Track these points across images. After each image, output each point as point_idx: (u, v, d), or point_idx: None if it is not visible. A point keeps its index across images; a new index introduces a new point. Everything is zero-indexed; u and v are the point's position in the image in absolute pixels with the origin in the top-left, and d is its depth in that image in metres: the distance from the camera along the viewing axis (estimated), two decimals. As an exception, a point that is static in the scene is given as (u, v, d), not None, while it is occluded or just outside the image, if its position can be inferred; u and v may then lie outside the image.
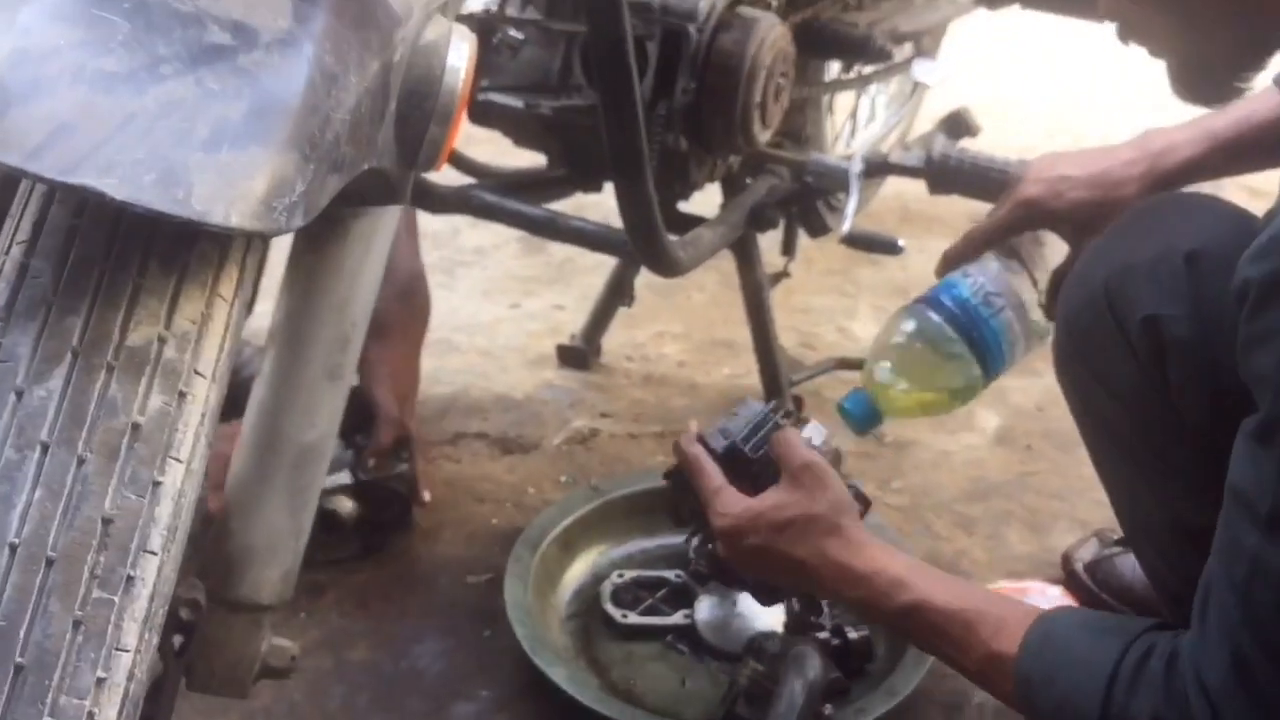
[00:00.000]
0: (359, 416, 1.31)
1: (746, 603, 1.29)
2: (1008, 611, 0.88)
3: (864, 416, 1.07)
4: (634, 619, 1.31)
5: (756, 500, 1.00)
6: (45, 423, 0.56)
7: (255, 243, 0.66)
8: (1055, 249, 1.07)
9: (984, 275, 1.06)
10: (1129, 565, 1.34)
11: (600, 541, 1.40)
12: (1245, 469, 0.72)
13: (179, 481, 0.59)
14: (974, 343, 1.04)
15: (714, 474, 1.03)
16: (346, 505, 1.33)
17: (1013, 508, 1.52)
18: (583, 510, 1.40)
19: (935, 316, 1.05)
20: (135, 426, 0.58)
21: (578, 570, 1.38)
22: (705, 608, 1.30)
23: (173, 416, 0.59)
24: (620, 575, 1.35)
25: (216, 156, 0.57)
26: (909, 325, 1.06)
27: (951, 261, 1.09)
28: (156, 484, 0.58)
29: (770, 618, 1.26)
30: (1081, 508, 1.53)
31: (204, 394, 0.61)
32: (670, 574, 1.34)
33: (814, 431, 1.05)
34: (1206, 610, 0.75)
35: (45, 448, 0.56)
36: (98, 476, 0.56)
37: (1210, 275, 0.81)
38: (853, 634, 1.24)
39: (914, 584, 0.91)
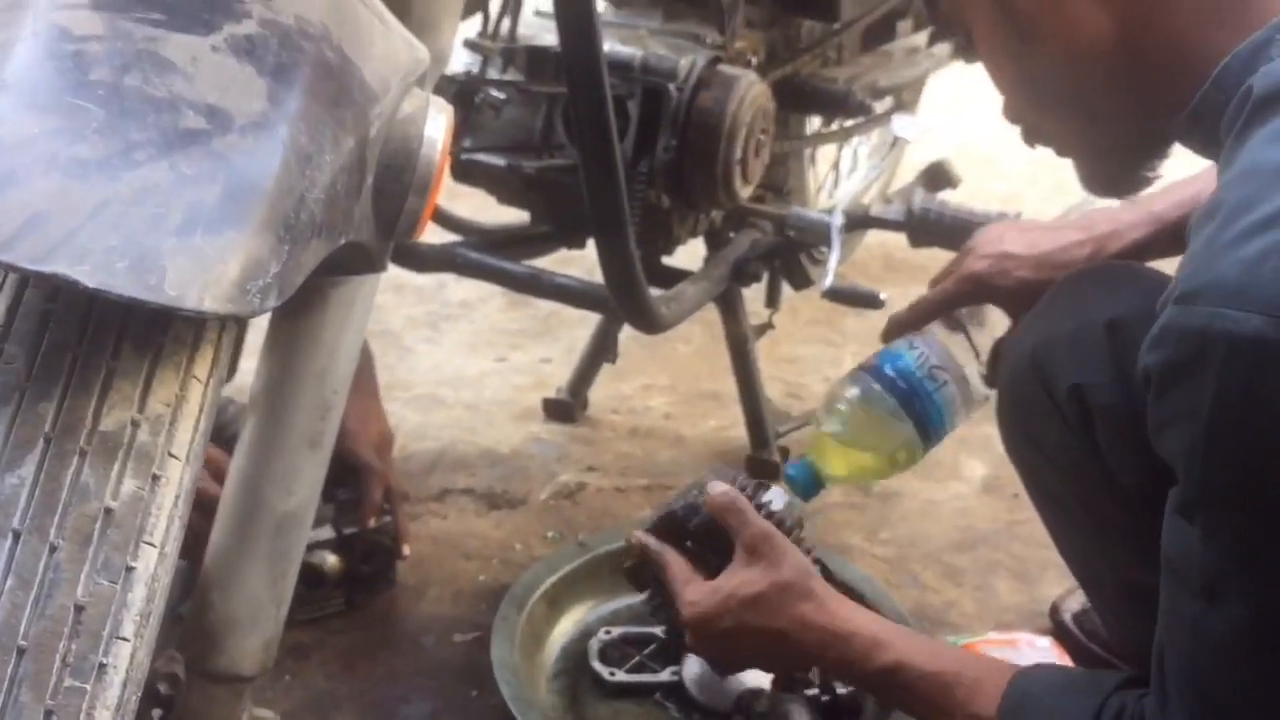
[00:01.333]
0: (338, 471, 1.30)
1: None
2: (984, 672, 0.88)
3: (807, 482, 1.09)
4: (621, 677, 1.30)
5: (721, 580, 1.00)
6: (17, 510, 0.56)
7: (230, 323, 0.66)
8: (998, 319, 1.10)
9: (929, 348, 1.07)
10: None
11: (587, 598, 1.39)
12: (1174, 540, 0.74)
13: (152, 566, 0.59)
14: (917, 414, 1.06)
15: (677, 565, 1.04)
16: (330, 560, 1.33)
17: (1000, 557, 1.52)
18: (569, 567, 1.39)
19: (878, 386, 1.06)
20: (108, 512, 0.58)
21: (565, 627, 1.37)
22: (693, 665, 1.29)
23: (146, 501, 0.59)
24: (608, 632, 1.34)
25: (190, 241, 0.57)
26: (853, 392, 1.08)
27: (897, 330, 1.10)
28: (129, 569, 0.57)
29: (759, 675, 1.26)
30: (1069, 557, 1.52)
31: (178, 476, 0.61)
32: (658, 630, 1.34)
33: (774, 495, 1.07)
34: (1163, 675, 0.76)
35: (17, 535, 0.56)
36: (70, 564, 0.56)
37: (1131, 342, 0.82)
38: (841, 690, 1.23)
39: (892, 644, 0.92)
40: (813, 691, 1.22)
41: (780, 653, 0.99)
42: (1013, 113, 0.89)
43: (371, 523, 1.33)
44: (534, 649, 1.32)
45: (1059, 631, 1.35)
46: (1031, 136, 0.90)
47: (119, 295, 0.55)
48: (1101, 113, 0.83)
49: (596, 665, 1.30)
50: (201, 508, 0.86)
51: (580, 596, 1.38)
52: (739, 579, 0.99)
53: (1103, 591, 1.00)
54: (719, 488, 1.05)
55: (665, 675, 1.29)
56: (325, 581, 1.32)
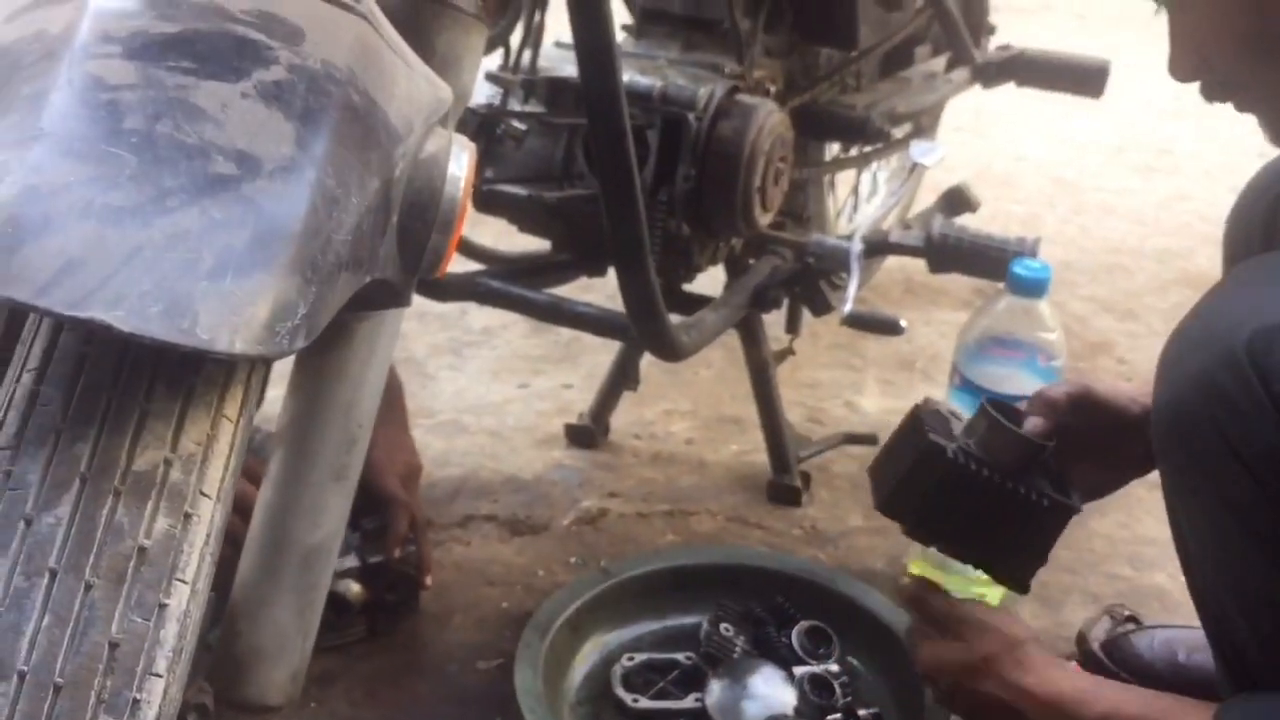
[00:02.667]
0: (363, 499, 1.31)
1: (758, 685, 1.28)
2: (1191, 710, 0.90)
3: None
4: (645, 703, 1.30)
5: (942, 653, 1.09)
6: (54, 549, 0.58)
7: (259, 364, 0.68)
8: None
9: None
10: (1145, 644, 1.34)
11: (610, 624, 1.39)
12: None
13: (184, 603, 0.60)
14: None
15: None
16: (354, 589, 1.34)
17: (1024, 583, 1.52)
18: (592, 593, 1.39)
19: None
20: (141, 550, 0.59)
21: (587, 653, 1.37)
22: (716, 691, 1.30)
23: (178, 539, 0.60)
24: (630, 659, 1.34)
25: (221, 285, 0.59)
26: None
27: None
28: (162, 606, 0.59)
29: (782, 700, 1.26)
30: (1093, 581, 1.52)
31: (209, 514, 0.62)
32: (681, 656, 1.34)
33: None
34: None
35: (53, 574, 0.57)
36: (104, 602, 0.57)
37: None
38: (863, 713, 1.23)
39: (1104, 697, 0.96)
40: (835, 717, 1.22)
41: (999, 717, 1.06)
42: (1199, 65, 0.87)
43: (396, 553, 1.34)
44: (557, 676, 1.33)
45: (1086, 660, 1.35)
46: (1217, 91, 0.89)
47: (153, 339, 0.56)
48: None
49: (620, 692, 1.30)
50: (231, 540, 0.88)
51: (603, 623, 1.39)
52: (953, 652, 1.08)
53: (1251, 605, 0.90)
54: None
55: (688, 702, 1.29)
56: (349, 610, 1.33)
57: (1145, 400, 1.07)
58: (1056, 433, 1.10)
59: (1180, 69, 0.90)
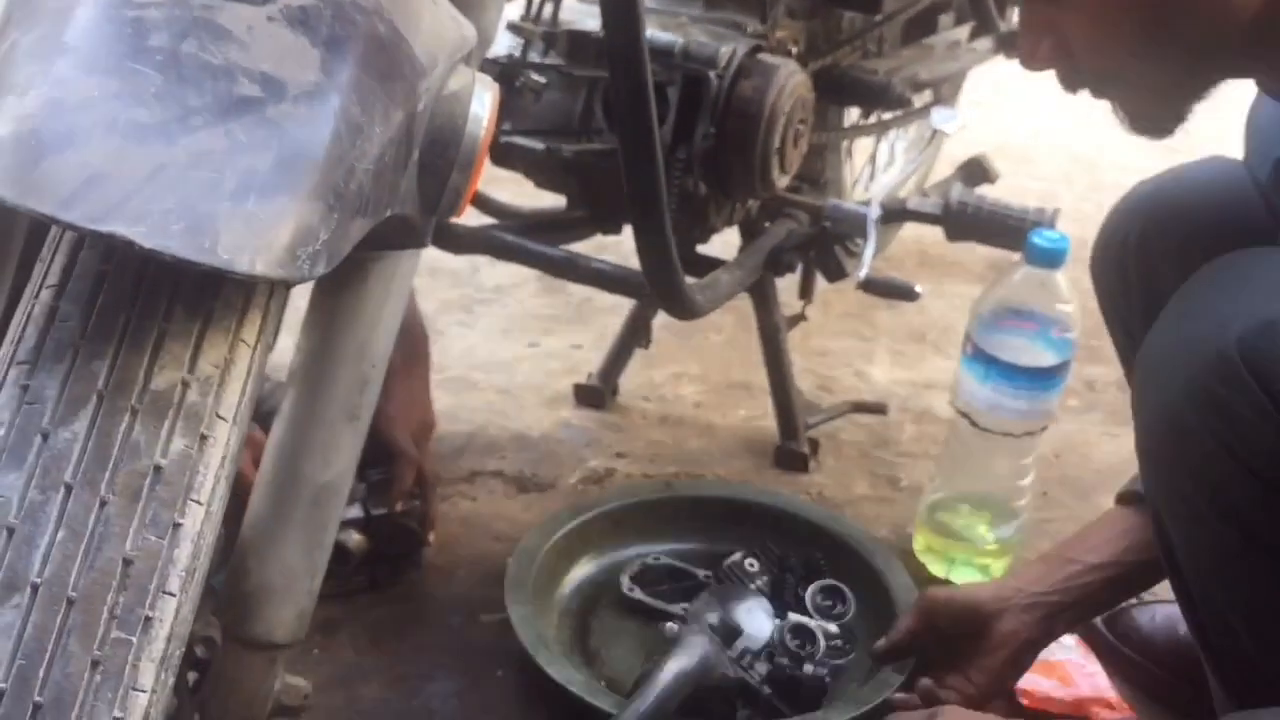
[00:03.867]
0: (371, 451, 1.32)
1: (739, 613, 1.29)
2: None
3: None
4: (637, 594, 1.34)
5: None
6: (70, 464, 0.58)
7: (278, 289, 0.67)
8: None
9: None
10: (1146, 617, 1.34)
11: (661, 532, 1.42)
12: None
13: (199, 524, 0.60)
14: None
15: None
16: (355, 539, 1.34)
17: (1029, 555, 1.52)
18: (649, 498, 1.45)
19: None
20: (157, 469, 0.59)
21: (628, 550, 1.41)
22: (699, 602, 1.32)
23: (194, 459, 0.60)
24: (656, 558, 1.38)
25: (243, 206, 0.58)
26: None
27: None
28: (177, 526, 0.59)
29: (753, 633, 1.27)
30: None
31: (225, 437, 0.62)
32: (701, 572, 1.37)
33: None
34: None
35: (69, 489, 0.57)
36: (119, 518, 0.57)
37: None
38: (809, 669, 1.24)
39: None
40: (783, 661, 1.24)
41: None
42: (1057, 53, 0.86)
43: (399, 506, 1.35)
44: (581, 554, 1.39)
45: (1088, 632, 1.34)
46: (1076, 79, 0.88)
47: (174, 256, 0.56)
48: (1177, 45, 0.82)
49: (624, 578, 1.35)
50: (237, 490, 0.88)
51: (650, 530, 1.42)
52: None
53: (1253, 611, 0.88)
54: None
55: (677, 609, 1.32)
56: (350, 559, 1.33)
57: (1009, 585, 1.15)
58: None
59: (1035, 57, 0.87)
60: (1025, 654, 1.16)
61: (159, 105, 0.59)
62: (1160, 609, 1.34)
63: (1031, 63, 0.88)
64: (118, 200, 0.56)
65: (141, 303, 0.61)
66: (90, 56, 0.60)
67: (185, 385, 0.61)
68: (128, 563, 0.57)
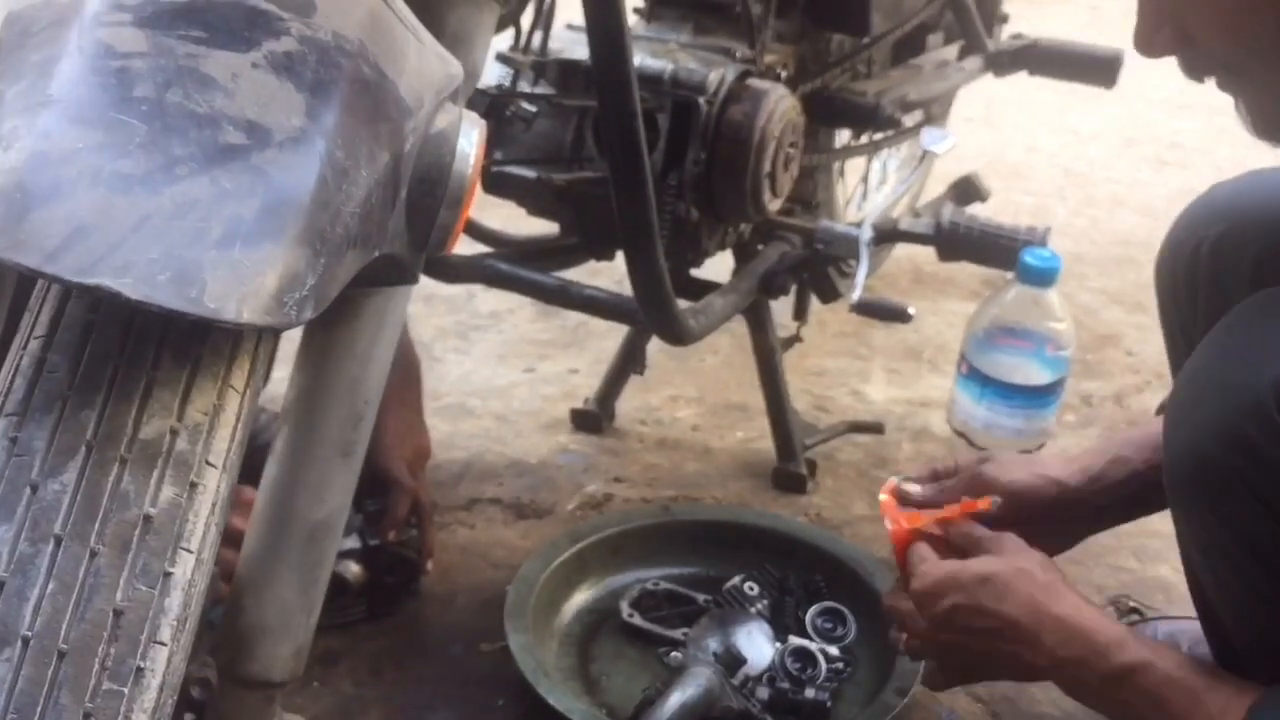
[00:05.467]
0: (368, 481, 1.32)
1: (740, 638, 1.30)
2: (1232, 688, 0.81)
3: None
4: (637, 620, 1.35)
5: (958, 564, 0.96)
6: (59, 516, 0.58)
7: (266, 334, 0.67)
8: None
9: None
10: (1148, 634, 1.33)
11: (655, 558, 1.43)
12: None
13: (189, 572, 0.60)
14: None
15: (924, 551, 1.01)
16: (353, 569, 1.34)
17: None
18: (647, 523, 1.45)
19: None
20: (147, 518, 0.59)
21: (626, 575, 1.41)
22: (699, 627, 1.32)
23: (184, 507, 0.60)
24: (656, 584, 1.39)
25: (229, 254, 0.58)
26: None
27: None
28: (167, 575, 0.59)
29: (754, 658, 1.28)
30: (1097, 573, 1.52)
31: (215, 484, 0.62)
32: (701, 597, 1.37)
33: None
34: None
35: (59, 541, 0.57)
36: (109, 569, 0.57)
37: None
38: (810, 693, 1.23)
39: (1137, 646, 0.86)
40: (783, 685, 1.24)
41: (1008, 651, 0.92)
42: (1176, 38, 0.79)
43: (393, 536, 1.35)
44: (580, 582, 1.39)
45: None
46: (1202, 67, 0.81)
47: (160, 307, 0.56)
48: None
49: (623, 604, 1.35)
50: (231, 541, 0.88)
51: (650, 555, 1.42)
52: (977, 564, 0.95)
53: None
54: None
55: (678, 634, 1.32)
56: (348, 590, 1.34)
57: (1057, 474, 1.07)
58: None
59: (1151, 43, 0.81)
60: (1061, 547, 1.09)
61: (144, 155, 0.59)
62: (1162, 626, 1.34)
63: (1149, 50, 0.81)
64: (103, 252, 0.56)
65: (129, 351, 0.61)
66: (75, 108, 0.60)
67: (174, 433, 0.61)
68: (118, 613, 0.57)
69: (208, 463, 0.61)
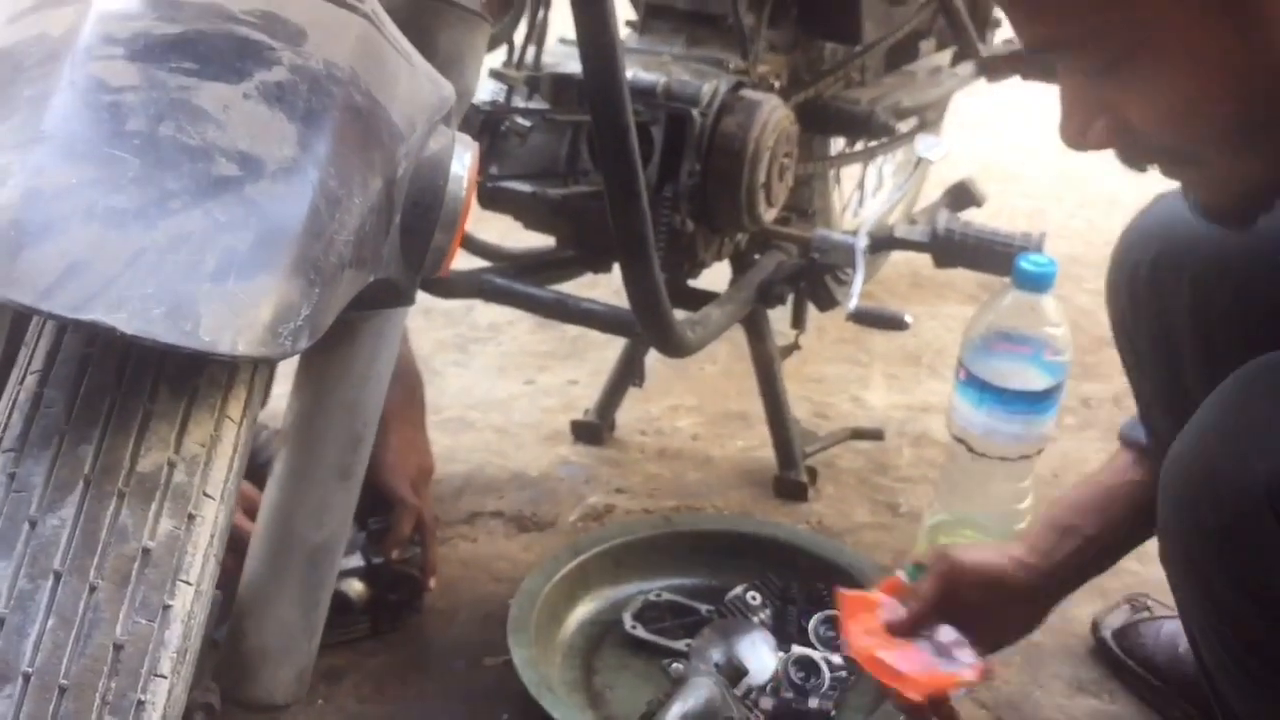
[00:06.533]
0: (371, 499, 1.32)
1: (743, 648, 1.31)
2: None
3: None
4: (640, 632, 1.35)
5: None
6: (58, 551, 0.58)
7: (262, 365, 0.68)
8: None
9: None
10: (1152, 633, 1.34)
11: (656, 568, 1.43)
12: None
13: (188, 604, 0.60)
14: None
15: None
16: (356, 587, 1.34)
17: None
18: (649, 534, 1.45)
19: None
20: (146, 552, 0.59)
21: (628, 586, 1.41)
22: (703, 638, 1.32)
23: (182, 540, 0.60)
24: (659, 595, 1.39)
25: (224, 287, 0.59)
26: None
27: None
28: (166, 608, 0.59)
29: (758, 668, 1.28)
30: (1100, 576, 1.52)
31: (213, 515, 0.62)
32: (704, 607, 1.37)
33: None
34: None
35: (58, 576, 0.57)
36: (109, 603, 0.58)
37: None
38: (814, 702, 1.23)
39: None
40: (788, 695, 1.24)
41: None
42: (1117, 131, 0.75)
43: (396, 554, 1.35)
44: (582, 594, 1.39)
45: (1099, 648, 1.35)
46: (1144, 156, 0.77)
47: (155, 341, 0.56)
48: (1273, 138, 0.71)
49: (626, 615, 1.35)
50: (234, 545, 0.88)
51: (652, 565, 1.42)
52: None
53: None
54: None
55: (680, 644, 1.32)
56: (351, 608, 1.34)
57: (1019, 555, 1.11)
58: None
59: (1085, 138, 0.76)
60: (1033, 625, 1.16)
61: (137, 189, 0.60)
62: (1166, 625, 1.34)
63: (1081, 145, 0.76)
64: (98, 288, 0.56)
65: (126, 385, 0.61)
66: (68, 144, 0.60)
67: (172, 466, 0.61)
68: (118, 648, 0.57)
69: (205, 494, 0.62)
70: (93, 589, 0.58)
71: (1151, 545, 1.54)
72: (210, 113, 0.63)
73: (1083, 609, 1.43)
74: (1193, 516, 0.82)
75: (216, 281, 0.59)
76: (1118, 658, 1.34)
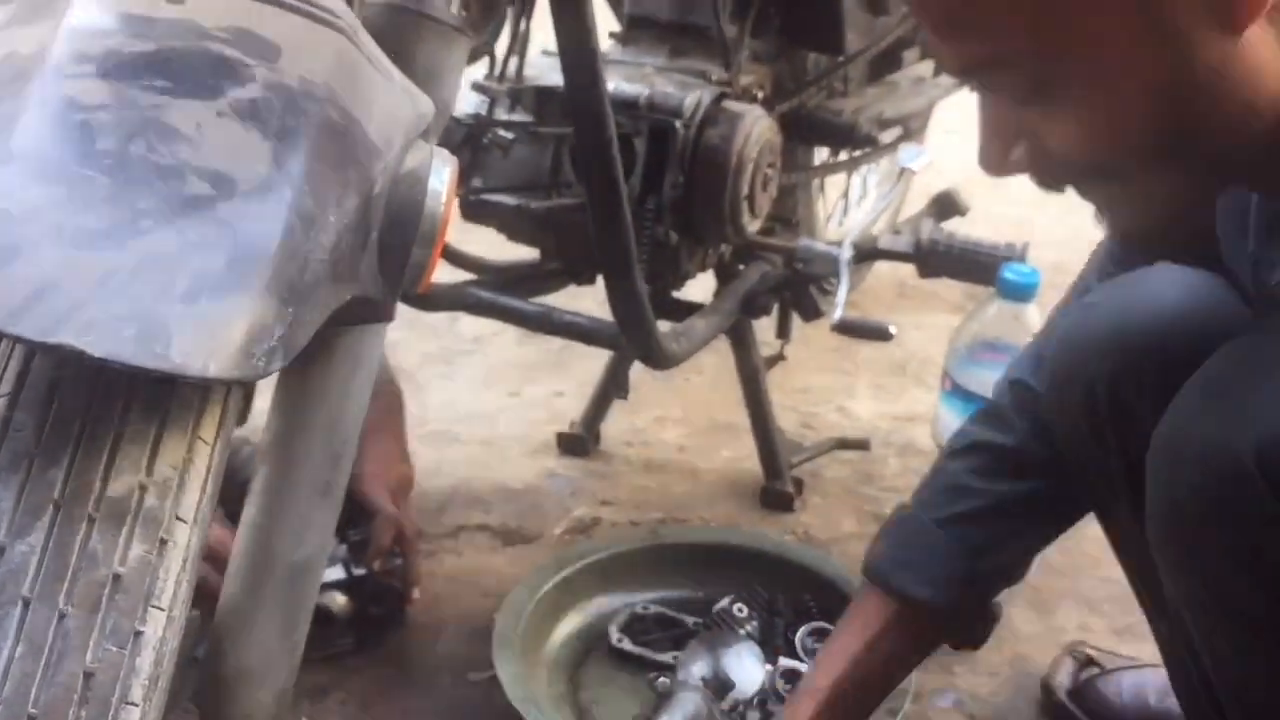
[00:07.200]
0: (351, 511, 1.31)
1: (730, 660, 1.29)
2: None
3: None
4: (626, 645, 1.34)
5: None
6: (27, 578, 0.57)
7: (236, 386, 0.67)
8: None
9: None
10: (1113, 690, 1.29)
11: (649, 579, 1.42)
12: None
13: (160, 630, 0.59)
14: None
15: None
16: (339, 600, 1.33)
17: (1016, 587, 1.51)
18: (635, 546, 1.44)
19: None
20: (116, 577, 0.58)
21: (612, 600, 1.40)
22: (689, 651, 1.31)
23: (154, 564, 0.59)
24: (645, 608, 1.38)
25: (195, 308, 0.58)
26: None
27: None
28: (138, 634, 0.58)
29: (745, 680, 1.27)
30: (1086, 585, 1.52)
31: (185, 539, 0.62)
32: (691, 620, 1.37)
33: None
34: None
35: (26, 603, 0.57)
36: (79, 630, 0.57)
37: None
38: None
39: None
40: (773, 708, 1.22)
41: None
42: (1033, 159, 0.74)
43: (378, 565, 1.34)
44: (569, 607, 1.39)
45: (1056, 713, 1.30)
46: (1061, 178, 0.76)
47: (125, 364, 0.56)
48: (1192, 156, 0.71)
49: (611, 628, 1.35)
50: (215, 562, 0.87)
51: (638, 578, 1.41)
52: None
53: (1254, 708, 0.87)
54: None
55: (667, 657, 1.32)
56: (334, 621, 1.33)
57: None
58: None
59: (1005, 167, 0.75)
60: None
61: (108, 210, 0.59)
62: (1126, 677, 1.29)
63: (1001, 171, 0.76)
64: (66, 310, 0.56)
65: (96, 408, 0.61)
66: (37, 164, 0.59)
67: (143, 489, 0.60)
68: (89, 675, 0.56)
69: (178, 518, 0.61)
70: (62, 616, 0.57)
71: (1082, 586, 1.53)
72: (183, 131, 0.62)
73: (1070, 619, 1.42)
74: (1184, 489, 0.81)
75: (188, 302, 0.58)
76: (1077, 718, 1.28)
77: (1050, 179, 0.76)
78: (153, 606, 0.59)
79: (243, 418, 0.77)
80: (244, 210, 0.62)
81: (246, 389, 0.71)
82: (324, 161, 0.67)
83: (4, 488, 0.59)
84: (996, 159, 0.75)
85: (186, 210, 0.60)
